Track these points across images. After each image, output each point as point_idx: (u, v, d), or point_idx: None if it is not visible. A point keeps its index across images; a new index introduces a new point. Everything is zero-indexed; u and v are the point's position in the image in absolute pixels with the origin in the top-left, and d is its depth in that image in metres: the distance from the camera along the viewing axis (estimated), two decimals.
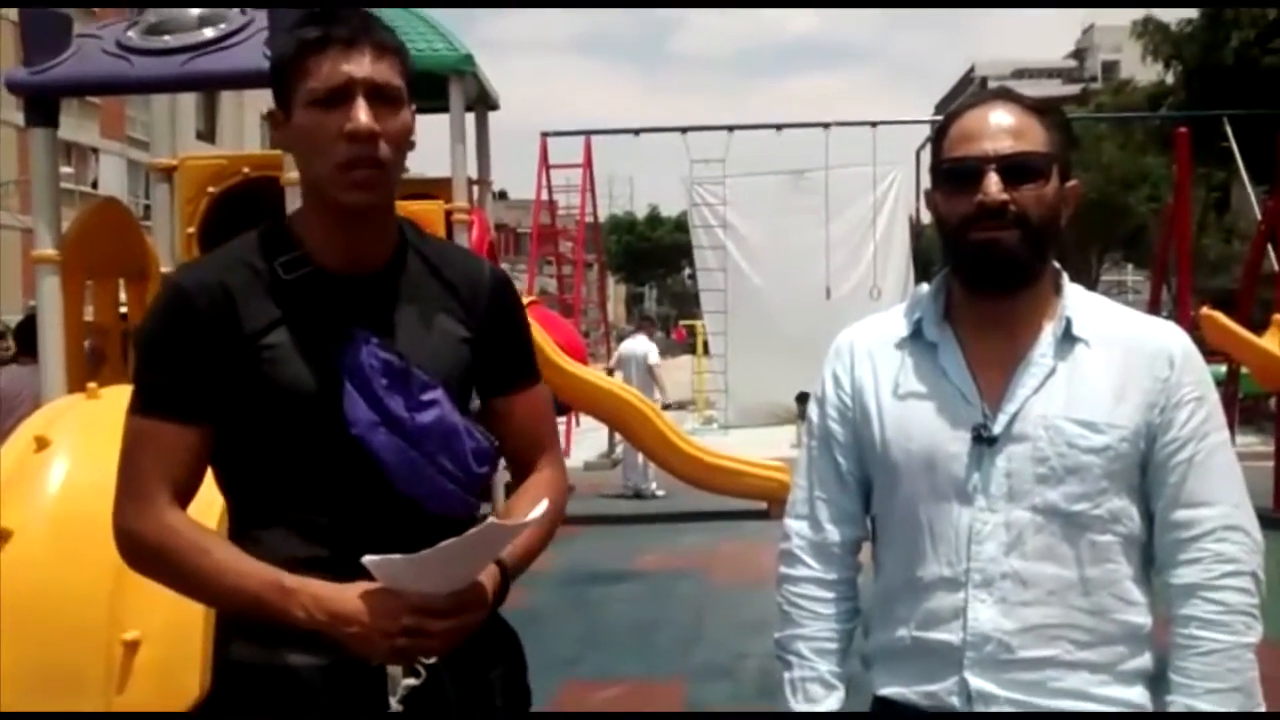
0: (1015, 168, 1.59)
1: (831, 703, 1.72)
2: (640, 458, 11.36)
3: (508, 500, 1.75)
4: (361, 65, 1.53)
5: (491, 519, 1.53)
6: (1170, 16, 22.93)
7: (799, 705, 1.73)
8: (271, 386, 1.56)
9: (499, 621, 1.72)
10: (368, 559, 1.44)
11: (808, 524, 1.77)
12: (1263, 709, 1.56)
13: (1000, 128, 1.61)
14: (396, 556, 1.43)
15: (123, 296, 7.06)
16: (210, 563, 1.53)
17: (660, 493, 11.63)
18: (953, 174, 1.63)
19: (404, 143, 1.59)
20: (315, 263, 1.61)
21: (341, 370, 1.55)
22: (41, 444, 4.31)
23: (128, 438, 1.59)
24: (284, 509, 1.58)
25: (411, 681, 1.52)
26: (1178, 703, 1.57)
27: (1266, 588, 1.60)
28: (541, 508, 1.60)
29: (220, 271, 1.60)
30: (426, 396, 1.58)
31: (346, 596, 1.48)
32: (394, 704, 1.52)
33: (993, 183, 1.58)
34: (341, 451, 1.54)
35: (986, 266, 1.62)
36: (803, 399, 14.61)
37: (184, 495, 1.60)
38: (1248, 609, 1.57)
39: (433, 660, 1.53)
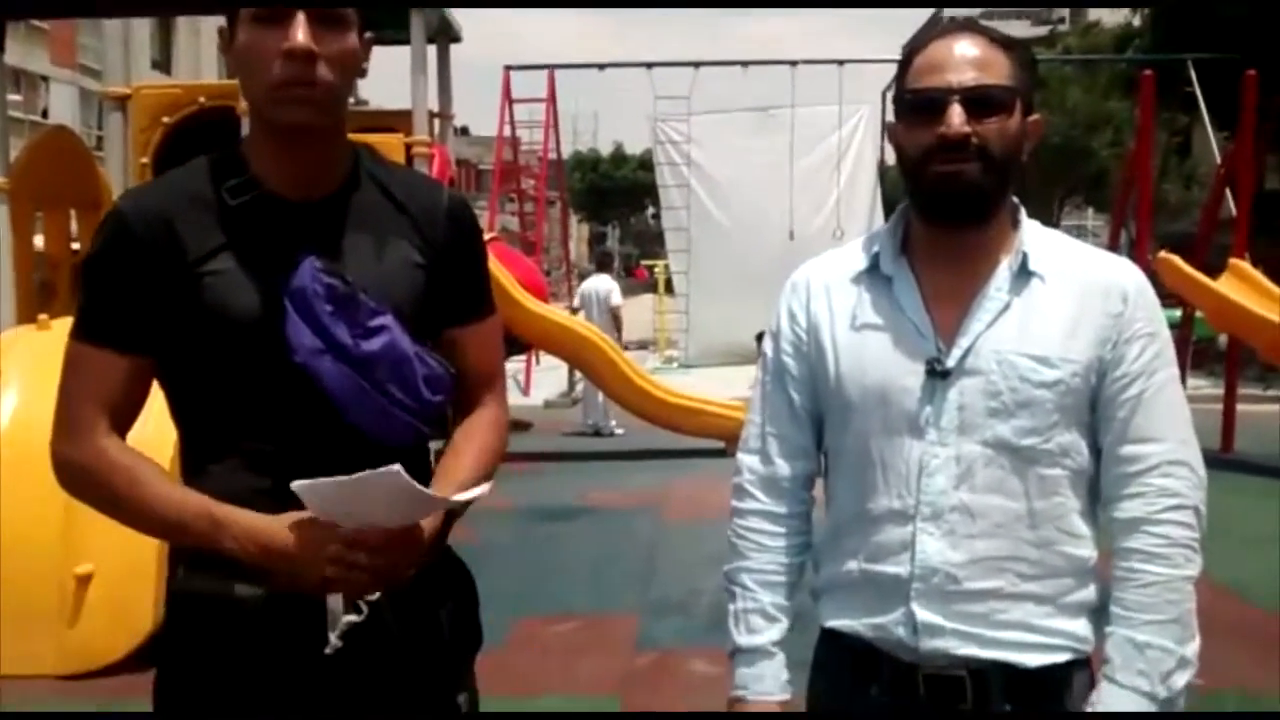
0: (978, 100, 1.57)
1: (773, 634, 1.74)
2: (600, 396, 11.37)
3: (451, 438, 1.72)
4: None
5: (403, 474, 1.43)
6: None
7: (741, 636, 1.74)
8: (213, 313, 1.53)
9: (451, 558, 1.71)
10: (296, 484, 1.43)
11: (759, 458, 1.77)
12: (1197, 640, 1.59)
13: (964, 59, 1.59)
14: (322, 480, 1.42)
15: (76, 229, 6.94)
16: (142, 493, 1.52)
17: (619, 431, 11.68)
18: (915, 105, 1.61)
19: (347, 66, 1.55)
20: (264, 187, 1.57)
21: (285, 296, 1.52)
22: None
23: (66, 363, 1.57)
24: (232, 439, 1.56)
25: (352, 618, 1.50)
26: (1116, 634, 1.60)
27: (1211, 528, 1.62)
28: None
29: (163, 197, 1.57)
30: (375, 323, 1.55)
31: (276, 528, 1.47)
32: (333, 639, 1.51)
33: (955, 114, 1.57)
34: (286, 379, 1.52)
35: (947, 199, 1.61)
36: (761, 338, 14.66)
37: (122, 423, 1.58)
38: (1188, 543, 1.59)
39: (375, 597, 1.51)
